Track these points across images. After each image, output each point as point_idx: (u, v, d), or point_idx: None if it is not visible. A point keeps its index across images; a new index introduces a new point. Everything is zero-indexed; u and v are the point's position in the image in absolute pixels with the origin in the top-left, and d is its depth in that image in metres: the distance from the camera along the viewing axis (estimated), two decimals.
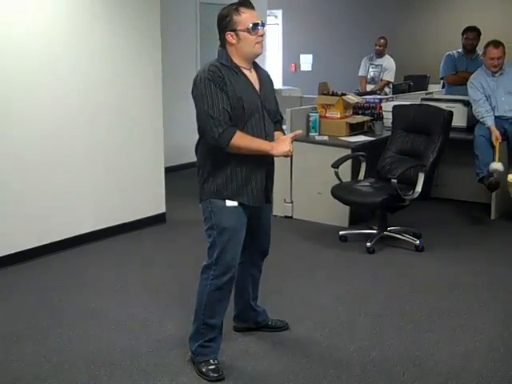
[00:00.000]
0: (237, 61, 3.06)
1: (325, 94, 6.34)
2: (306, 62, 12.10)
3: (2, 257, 4.66)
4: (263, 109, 3.12)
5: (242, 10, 3.01)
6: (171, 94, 6.37)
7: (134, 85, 5.47)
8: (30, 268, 4.71)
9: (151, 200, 5.77)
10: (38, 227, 4.88)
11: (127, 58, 5.39)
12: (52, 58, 4.83)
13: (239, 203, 3.10)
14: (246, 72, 3.10)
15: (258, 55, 3.12)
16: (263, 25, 3.05)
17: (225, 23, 3.04)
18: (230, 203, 3.08)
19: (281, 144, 3.08)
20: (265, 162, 3.15)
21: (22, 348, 3.50)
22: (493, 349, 3.50)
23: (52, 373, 3.24)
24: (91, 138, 5.18)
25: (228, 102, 2.96)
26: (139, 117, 5.57)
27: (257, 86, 3.12)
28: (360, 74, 9.07)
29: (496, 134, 5.57)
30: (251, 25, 3.00)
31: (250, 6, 3.06)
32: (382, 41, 8.82)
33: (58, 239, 5.01)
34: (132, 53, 5.43)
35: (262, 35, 3.05)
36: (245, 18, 3.01)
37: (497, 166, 5.47)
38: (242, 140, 2.97)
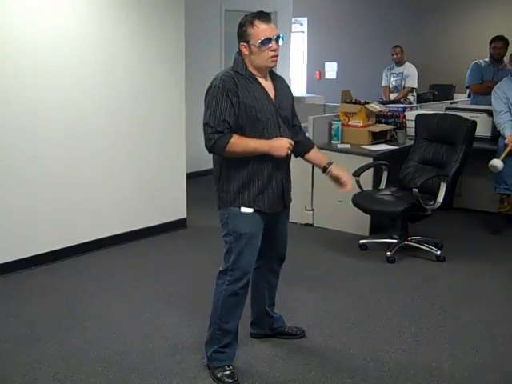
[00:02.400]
0: (251, 69, 3.07)
1: (347, 102, 6.33)
2: (331, 69, 12.09)
3: (23, 259, 4.72)
4: (278, 117, 3.12)
5: (256, 22, 2.99)
6: (194, 101, 6.39)
7: (156, 91, 5.52)
8: (50, 270, 4.77)
9: (172, 205, 5.81)
10: (57, 231, 4.94)
11: (150, 66, 5.45)
12: (74, 63, 4.88)
13: (255, 210, 3.11)
14: (261, 80, 3.11)
15: (270, 68, 3.13)
16: (278, 39, 3.02)
17: (240, 33, 3.05)
18: (244, 210, 3.09)
19: (279, 143, 3.05)
20: (281, 168, 3.15)
21: (41, 349, 3.54)
22: (511, 361, 3.47)
23: (69, 374, 3.27)
24: (113, 143, 5.24)
25: (233, 113, 2.97)
26: (161, 123, 5.62)
27: (272, 94, 3.13)
28: (383, 84, 9.09)
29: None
30: (262, 39, 2.98)
31: (266, 19, 3.02)
32: (397, 49, 8.81)
33: (79, 242, 5.07)
34: (155, 60, 5.48)
35: (274, 50, 3.02)
36: (258, 31, 2.99)
37: (496, 162, 5.35)
38: (237, 145, 2.98)
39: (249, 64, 3.06)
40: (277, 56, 3.06)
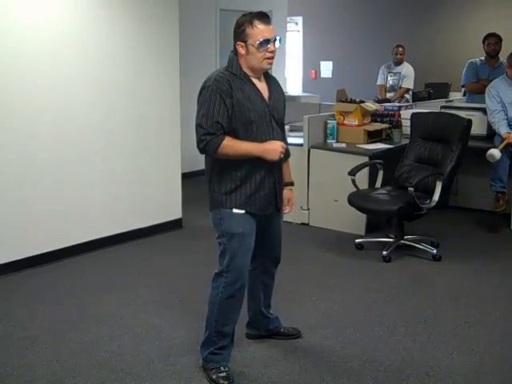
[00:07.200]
0: (245, 70, 3.05)
1: (343, 101, 6.32)
2: (327, 68, 12.08)
3: (17, 261, 4.69)
4: (271, 118, 3.10)
5: (256, 23, 2.96)
6: (189, 101, 6.37)
7: (151, 91, 5.50)
8: (45, 272, 4.74)
9: (168, 205, 5.79)
10: (52, 232, 4.91)
11: (145, 65, 5.42)
12: (65, 62, 4.84)
13: (246, 211, 3.10)
14: (255, 81, 3.08)
15: (265, 70, 3.11)
16: (276, 40, 3.00)
17: (238, 32, 3.01)
18: (236, 211, 3.08)
19: (271, 146, 3.02)
20: (274, 171, 3.14)
21: (35, 351, 3.52)
22: (508, 361, 3.44)
23: (64, 377, 3.25)
24: (108, 143, 5.22)
25: (226, 115, 2.95)
26: (156, 122, 5.59)
27: (265, 95, 3.11)
28: (378, 82, 9.03)
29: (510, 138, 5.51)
30: (261, 40, 2.96)
31: (266, 20, 2.99)
32: (400, 49, 8.76)
33: (74, 243, 5.04)
34: (150, 59, 5.45)
35: (271, 51, 3.00)
36: (257, 32, 2.96)
37: (494, 151, 5.38)
38: (229, 147, 2.97)
39: (243, 64, 3.04)
40: (273, 58, 3.03)
